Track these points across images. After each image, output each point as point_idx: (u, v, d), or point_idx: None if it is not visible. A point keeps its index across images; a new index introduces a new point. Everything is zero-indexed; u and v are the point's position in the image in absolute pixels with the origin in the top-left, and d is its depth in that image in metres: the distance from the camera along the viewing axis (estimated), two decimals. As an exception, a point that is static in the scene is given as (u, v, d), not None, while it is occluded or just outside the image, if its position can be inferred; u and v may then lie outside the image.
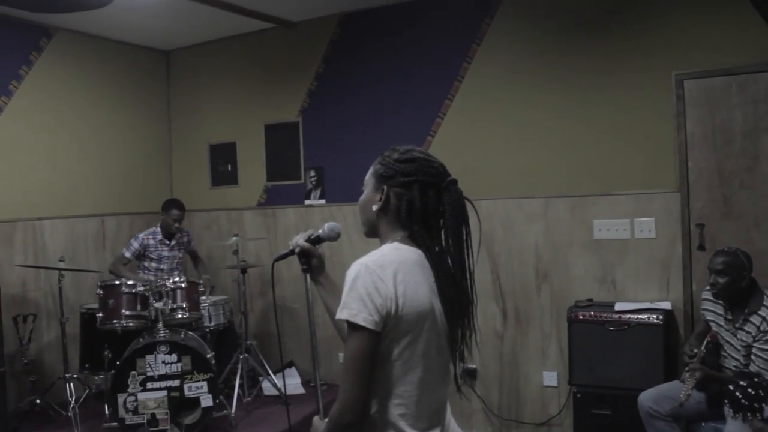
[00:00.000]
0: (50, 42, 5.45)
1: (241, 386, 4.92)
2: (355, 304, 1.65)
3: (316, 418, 1.92)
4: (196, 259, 5.77)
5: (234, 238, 5.17)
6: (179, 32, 5.88)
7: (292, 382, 5.29)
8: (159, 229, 5.44)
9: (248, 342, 5.10)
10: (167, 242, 5.47)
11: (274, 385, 5.08)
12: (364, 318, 1.63)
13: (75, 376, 4.84)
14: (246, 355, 5.02)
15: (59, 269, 4.74)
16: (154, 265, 5.45)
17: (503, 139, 4.77)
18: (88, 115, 5.72)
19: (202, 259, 5.81)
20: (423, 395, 1.75)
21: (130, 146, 6.08)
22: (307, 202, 5.62)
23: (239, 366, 4.97)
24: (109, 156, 5.88)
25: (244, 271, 5.15)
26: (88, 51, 5.74)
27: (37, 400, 4.83)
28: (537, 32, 4.64)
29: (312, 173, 5.58)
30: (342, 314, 1.67)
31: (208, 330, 4.98)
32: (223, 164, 6.13)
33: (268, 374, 5.14)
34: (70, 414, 4.55)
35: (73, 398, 4.62)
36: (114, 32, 5.75)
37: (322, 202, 5.53)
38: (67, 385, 4.70)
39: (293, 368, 5.51)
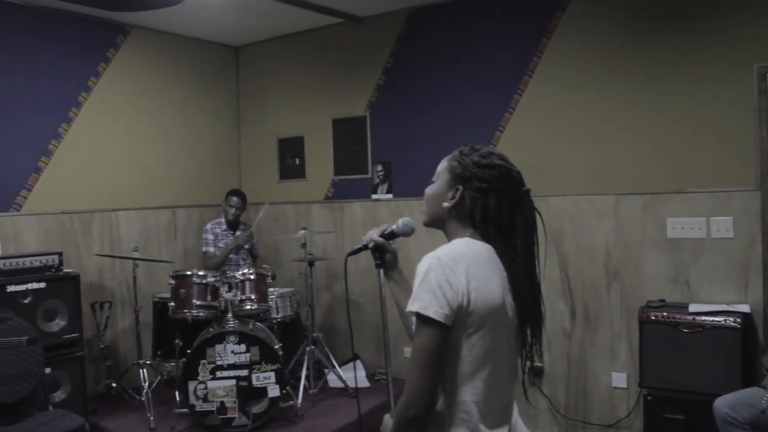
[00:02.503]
0: (126, 39, 5.62)
1: (307, 378, 4.98)
2: (427, 297, 1.64)
3: (386, 416, 1.92)
4: (256, 258, 5.85)
5: (302, 231, 5.23)
6: (248, 28, 5.98)
7: (358, 375, 5.33)
8: (223, 219, 5.60)
9: (314, 334, 5.16)
10: (231, 232, 5.60)
11: (340, 378, 5.12)
12: (435, 311, 1.63)
13: (148, 362, 5.00)
14: (312, 347, 5.08)
15: (134, 259, 4.90)
16: (217, 252, 5.58)
17: (574, 134, 4.67)
18: (160, 109, 5.89)
19: (261, 257, 5.89)
20: (492, 392, 1.73)
21: (201, 140, 6.23)
22: (374, 196, 5.64)
23: (305, 358, 5.04)
24: (180, 150, 6.04)
25: (311, 263, 5.21)
26: (161, 47, 5.90)
27: (113, 384, 5.02)
28: (610, 24, 4.52)
29: (379, 168, 5.60)
30: (413, 306, 1.66)
31: (275, 321, 5.05)
32: (291, 158, 6.21)
33: (334, 366, 5.19)
34: (143, 399, 4.70)
35: (146, 384, 4.77)
36: (186, 29, 5.88)
37: (389, 196, 5.54)
38: (141, 370, 4.86)
39: (358, 361, 5.55)
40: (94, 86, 5.38)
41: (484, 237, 1.79)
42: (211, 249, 5.56)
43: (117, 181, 5.51)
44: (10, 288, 4.27)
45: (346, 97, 5.80)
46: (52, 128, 5.11)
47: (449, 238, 1.84)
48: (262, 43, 6.40)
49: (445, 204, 1.83)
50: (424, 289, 1.66)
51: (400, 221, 2.03)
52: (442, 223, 1.87)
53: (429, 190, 1.90)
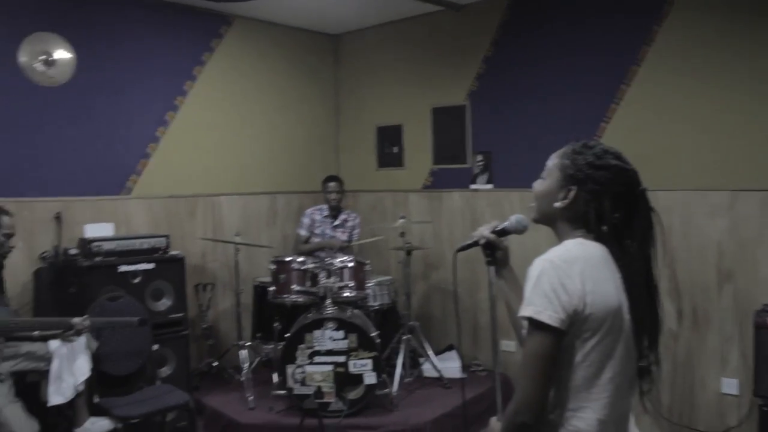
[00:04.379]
0: (229, 29, 5.75)
1: (402, 366, 4.99)
2: (540, 301, 1.59)
3: (493, 420, 1.89)
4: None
5: (401, 221, 5.23)
6: (348, 17, 6.00)
7: (452, 366, 5.29)
8: (325, 206, 5.67)
9: (411, 323, 5.17)
10: (331, 220, 5.66)
11: (435, 367, 5.11)
12: (549, 315, 1.58)
13: (248, 343, 5.13)
14: (409, 335, 5.09)
15: (236, 243, 5.03)
16: (317, 240, 5.66)
17: (685, 126, 4.45)
18: (262, 97, 6.00)
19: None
20: (609, 400, 1.66)
21: (300, 127, 6.31)
22: (473, 186, 5.56)
23: (401, 346, 5.05)
24: (280, 136, 6.14)
25: (409, 252, 5.21)
26: (262, 37, 6.00)
27: (215, 363, 5.19)
28: (725, 11, 4.26)
29: (479, 157, 5.51)
30: (526, 311, 1.61)
31: (372, 309, 5.09)
32: (389, 146, 6.21)
33: (429, 356, 5.18)
34: (242, 378, 4.83)
35: (246, 364, 4.90)
36: (286, 18, 5.96)
37: (489, 186, 5.44)
38: (241, 351, 5.00)
39: (453, 351, 5.51)
40: (199, 75, 5.54)
41: (597, 237, 1.72)
42: (303, 232, 5.67)
43: (220, 166, 5.67)
44: (122, 268, 4.46)
45: (446, 86, 5.74)
46: (160, 116, 5.30)
47: (560, 237, 1.79)
48: (361, 32, 6.42)
49: (557, 204, 1.78)
50: (537, 293, 1.61)
51: (513, 218, 1.98)
52: (552, 222, 1.82)
53: (538, 186, 1.85)
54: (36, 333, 3.65)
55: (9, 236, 3.63)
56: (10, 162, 4.52)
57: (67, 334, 3.64)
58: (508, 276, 2.01)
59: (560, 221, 1.79)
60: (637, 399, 1.81)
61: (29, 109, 4.61)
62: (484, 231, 2.00)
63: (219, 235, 5.54)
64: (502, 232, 1.99)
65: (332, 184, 5.65)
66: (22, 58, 4.59)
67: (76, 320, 3.63)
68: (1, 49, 4.49)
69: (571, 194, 1.75)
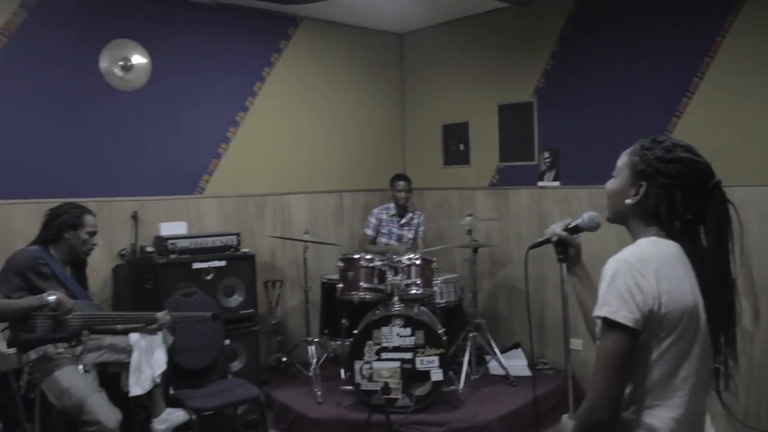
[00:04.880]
0: (297, 31, 5.86)
1: (468, 363, 4.99)
2: (615, 301, 1.59)
3: (564, 417, 1.89)
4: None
5: (468, 218, 5.23)
6: (413, 15, 6.02)
7: (518, 364, 5.27)
8: (392, 205, 5.72)
9: (477, 320, 5.16)
10: (398, 219, 5.71)
11: (501, 365, 5.09)
12: (625, 315, 1.57)
13: (316, 340, 5.22)
14: (475, 333, 5.09)
15: (304, 241, 5.13)
16: (384, 240, 5.72)
17: (762, 119, 4.30)
18: (328, 97, 6.09)
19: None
20: (684, 399, 1.65)
21: (366, 126, 6.38)
22: (540, 183, 5.50)
23: (468, 343, 5.05)
24: (346, 135, 6.22)
25: (475, 250, 5.20)
26: (328, 37, 6.09)
27: (284, 358, 5.30)
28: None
29: (546, 154, 5.46)
30: (601, 311, 1.61)
31: (438, 306, 5.10)
32: (455, 144, 6.21)
33: (495, 354, 5.16)
34: (311, 374, 4.93)
35: (315, 360, 5.00)
36: (352, 18, 6.03)
37: (556, 184, 5.38)
38: (309, 347, 5.09)
39: (519, 349, 5.49)
40: (268, 76, 5.67)
41: (671, 234, 1.71)
42: (369, 232, 5.75)
43: (288, 166, 5.78)
44: (196, 265, 4.61)
45: (512, 83, 5.70)
46: (231, 116, 5.45)
47: (633, 235, 1.78)
48: (426, 30, 6.43)
49: (628, 201, 1.77)
50: (611, 293, 1.61)
51: (586, 215, 1.97)
52: (625, 220, 1.81)
53: (610, 185, 1.85)
54: (120, 327, 3.82)
55: (92, 234, 3.79)
56: (92, 163, 4.73)
57: (150, 327, 3.80)
58: (580, 273, 2.02)
59: (633, 219, 1.79)
60: (714, 398, 1.79)
61: (109, 113, 4.81)
62: (557, 228, 2.00)
63: (287, 233, 5.65)
64: (575, 230, 1.99)
65: (401, 183, 5.69)
66: (103, 63, 4.80)
67: (159, 315, 3.80)
68: (83, 56, 4.70)
69: (642, 190, 1.74)
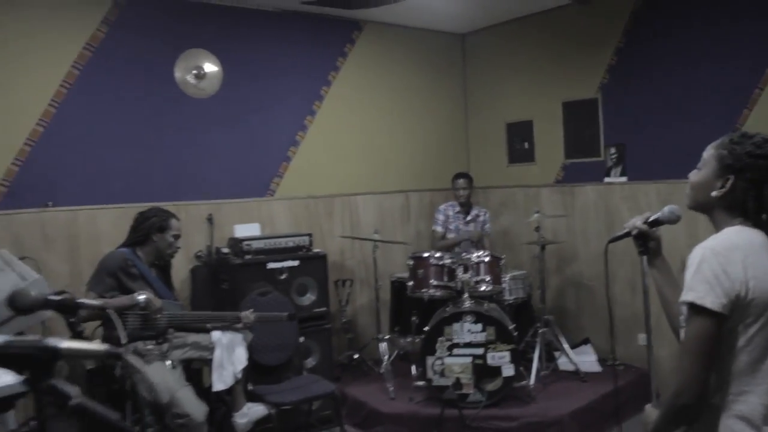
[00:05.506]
0: (361, 34, 5.98)
1: (538, 359, 5.02)
2: (702, 287, 1.63)
3: (648, 407, 1.92)
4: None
5: (535, 215, 5.25)
6: (474, 15, 6.08)
7: (588, 359, 5.27)
8: (455, 202, 5.79)
9: (546, 317, 5.18)
10: (464, 216, 5.77)
11: (571, 361, 5.10)
12: (712, 301, 1.61)
13: (386, 337, 5.32)
14: (544, 329, 5.11)
15: (374, 240, 5.24)
16: (451, 236, 5.78)
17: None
18: (393, 98, 6.19)
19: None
20: None
21: (430, 126, 6.46)
22: (606, 179, 5.48)
23: (537, 339, 5.08)
24: (412, 136, 6.32)
25: (543, 247, 5.22)
26: (391, 39, 6.20)
27: (355, 356, 5.42)
28: None
29: (612, 150, 5.43)
30: (687, 296, 1.65)
31: (507, 303, 5.14)
32: (519, 142, 6.24)
33: (564, 349, 5.17)
34: (382, 371, 5.03)
35: (386, 357, 5.09)
36: (414, 20, 6.11)
37: (623, 179, 5.35)
38: (380, 344, 5.19)
39: (589, 345, 5.48)
40: (334, 80, 5.80)
41: (757, 224, 1.74)
42: (439, 228, 5.82)
43: (355, 167, 5.91)
44: (270, 265, 4.76)
45: (576, 80, 5.69)
46: (299, 121, 5.60)
47: (717, 226, 1.81)
48: (488, 29, 6.47)
49: (714, 193, 1.79)
50: (698, 279, 1.64)
51: (666, 208, 2.01)
52: (709, 211, 1.84)
53: (694, 177, 1.87)
54: (209, 325, 3.99)
55: (177, 237, 3.98)
56: (168, 169, 4.94)
57: (235, 326, 3.97)
58: (660, 266, 2.04)
59: (717, 210, 1.82)
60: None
61: (184, 120, 5.02)
62: (637, 222, 2.04)
63: (355, 233, 5.77)
64: (655, 223, 2.02)
65: (461, 181, 5.76)
66: (177, 73, 5.01)
67: (243, 314, 3.96)
68: (160, 67, 4.92)
69: (729, 183, 1.77)
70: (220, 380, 3.91)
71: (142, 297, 3.58)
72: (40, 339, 1.00)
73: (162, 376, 3.66)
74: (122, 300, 3.59)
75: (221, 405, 4.26)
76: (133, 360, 3.69)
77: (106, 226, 4.64)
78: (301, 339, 4.71)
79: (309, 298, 4.94)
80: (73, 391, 0.99)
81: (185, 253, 4.88)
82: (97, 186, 4.70)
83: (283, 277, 4.79)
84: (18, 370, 0.97)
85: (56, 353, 0.98)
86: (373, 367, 5.36)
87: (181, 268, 4.85)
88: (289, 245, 4.91)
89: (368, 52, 6.02)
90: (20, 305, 2.22)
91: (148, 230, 3.87)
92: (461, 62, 6.74)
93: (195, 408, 3.59)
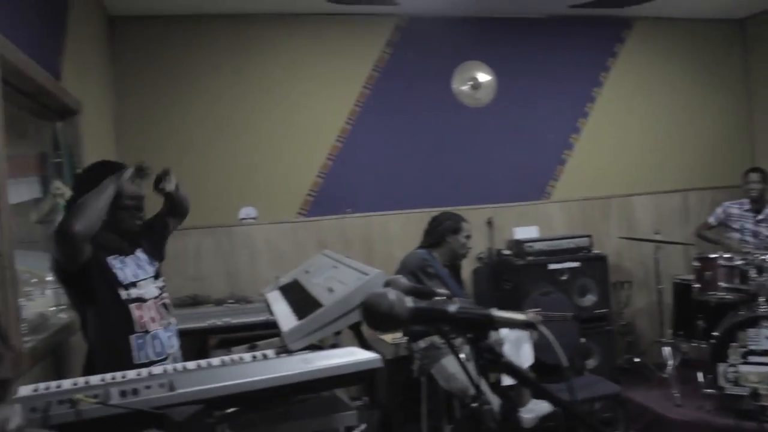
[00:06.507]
0: (631, 32, 5.87)
1: None
2: None
3: None
4: None
5: None
6: (753, -2, 5.66)
7: None
8: (746, 200, 5.41)
9: None
10: (753, 214, 5.38)
11: None
12: None
13: (668, 341, 5.15)
14: None
15: (656, 241, 5.11)
16: (736, 236, 5.42)
17: None
18: (667, 94, 6.00)
19: None
20: None
21: (708, 121, 6.14)
22: None
23: None
24: (689, 132, 6.06)
25: None
26: (663, 34, 6.02)
27: (636, 359, 5.32)
28: None
29: None
30: None
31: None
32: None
33: None
34: (665, 375, 4.87)
35: (670, 361, 4.93)
36: (687, 10, 5.87)
37: None
38: (663, 348, 5.04)
39: None
40: (605, 81, 5.77)
41: None
42: (711, 219, 5.56)
43: (631, 167, 5.82)
44: (551, 266, 4.88)
45: None
46: (572, 123, 5.67)
47: None
48: (772, 12, 5.98)
49: None
50: None
51: None
52: None
53: None
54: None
55: (468, 238, 4.26)
56: (449, 176, 5.30)
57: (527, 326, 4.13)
58: None
59: None
60: None
61: (462, 129, 5.35)
62: None
63: (632, 234, 5.66)
64: None
65: (753, 176, 5.38)
66: (454, 84, 5.34)
67: (530, 314, 4.12)
68: (439, 80, 5.31)
69: None
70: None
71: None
72: (482, 308, 1.22)
73: (459, 367, 3.91)
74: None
75: (506, 400, 4.44)
76: (430, 352, 4.01)
77: (396, 229, 5.09)
78: (582, 340, 4.75)
79: (590, 299, 4.98)
80: (499, 351, 1.20)
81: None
82: (388, 194, 5.18)
83: (563, 278, 4.88)
84: (462, 332, 1.19)
85: (492, 320, 1.19)
86: (655, 371, 5.21)
87: (464, 269, 5.12)
88: (570, 246, 4.99)
89: (640, 49, 5.90)
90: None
91: (443, 233, 4.18)
92: (740, 49, 6.30)
93: (491, 398, 3.80)
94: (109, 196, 2.43)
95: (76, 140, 3.60)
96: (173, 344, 2.67)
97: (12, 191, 2.42)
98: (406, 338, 4.21)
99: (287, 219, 5.05)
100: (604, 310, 4.98)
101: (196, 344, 4.15)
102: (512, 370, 1.21)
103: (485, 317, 1.18)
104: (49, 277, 3.03)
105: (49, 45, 3.21)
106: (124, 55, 4.84)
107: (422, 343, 4.06)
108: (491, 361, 1.19)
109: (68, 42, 3.49)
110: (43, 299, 3.31)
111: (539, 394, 1.22)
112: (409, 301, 1.17)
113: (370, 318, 1.18)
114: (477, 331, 1.19)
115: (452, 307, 1.22)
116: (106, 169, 2.57)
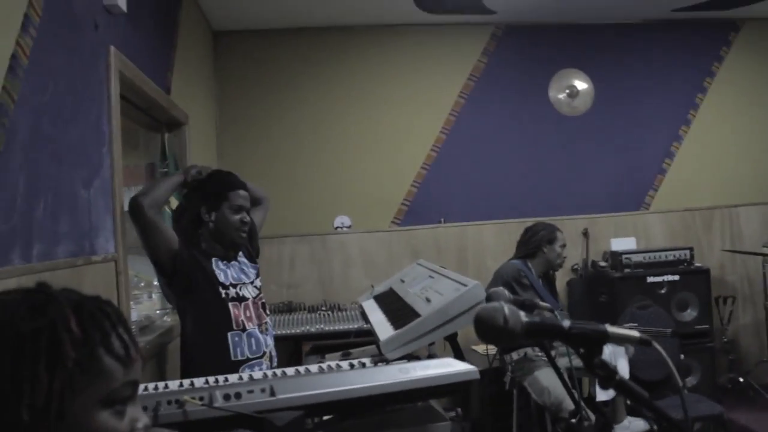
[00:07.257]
0: (737, 35, 5.62)
1: None
2: None
3: None
4: None
5: None
6: None
7: None
8: None
9: None
10: None
11: None
12: None
13: (777, 360, 4.91)
14: None
15: (763, 255, 4.88)
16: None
17: None
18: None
19: None
20: None
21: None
22: None
23: None
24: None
25: None
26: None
27: (740, 379, 5.07)
28: None
29: None
30: None
31: None
32: None
33: None
34: (769, 397, 4.64)
35: (781, 383, 4.70)
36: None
37: None
38: (770, 369, 4.81)
39: None
40: (710, 87, 5.55)
41: None
42: None
43: (736, 176, 5.57)
44: (650, 279, 4.73)
45: None
46: (673, 131, 5.47)
47: None
48: None
49: None
50: None
51: None
52: None
53: None
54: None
55: (563, 247, 4.18)
56: (544, 185, 5.22)
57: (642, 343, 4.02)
58: None
59: None
60: None
61: (558, 138, 5.26)
62: None
63: (737, 246, 5.41)
64: None
65: None
66: (551, 92, 5.27)
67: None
68: (535, 88, 5.25)
69: None
70: (604, 391, 3.98)
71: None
72: (594, 323, 1.21)
73: (552, 380, 3.85)
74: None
75: (600, 416, 4.33)
76: (523, 364, 3.96)
77: (490, 239, 5.05)
78: (682, 356, 4.57)
79: (690, 314, 4.79)
80: (613, 367, 1.18)
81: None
82: (482, 203, 5.16)
83: (662, 291, 4.72)
84: (575, 347, 1.18)
85: (605, 335, 1.17)
86: (762, 392, 4.95)
87: (558, 279, 5.02)
88: (669, 259, 4.83)
89: (748, 52, 5.63)
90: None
91: (539, 243, 4.13)
92: None
93: (588, 414, 3.72)
94: (174, 182, 2.74)
95: (181, 150, 3.77)
96: (269, 343, 2.76)
97: (125, 199, 2.59)
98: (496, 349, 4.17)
99: (381, 228, 5.11)
100: (705, 326, 4.78)
101: (290, 350, 4.27)
102: (626, 387, 1.18)
103: (600, 333, 1.17)
104: (156, 282, 3.18)
105: (160, 61, 3.37)
106: (225, 68, 5.04)
107: (515, 355, 4.02)
108: (605, 377, 1.17)
109: (177, 57, 3.67)
110: (150, 302, 3.49)
111: (652, 414, 1.19)
112: (523, 316, 1.16)
113: (484, 331, 1.18)
114: (590, 346, 1.17)
115: (566, 322, 1.21)
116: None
